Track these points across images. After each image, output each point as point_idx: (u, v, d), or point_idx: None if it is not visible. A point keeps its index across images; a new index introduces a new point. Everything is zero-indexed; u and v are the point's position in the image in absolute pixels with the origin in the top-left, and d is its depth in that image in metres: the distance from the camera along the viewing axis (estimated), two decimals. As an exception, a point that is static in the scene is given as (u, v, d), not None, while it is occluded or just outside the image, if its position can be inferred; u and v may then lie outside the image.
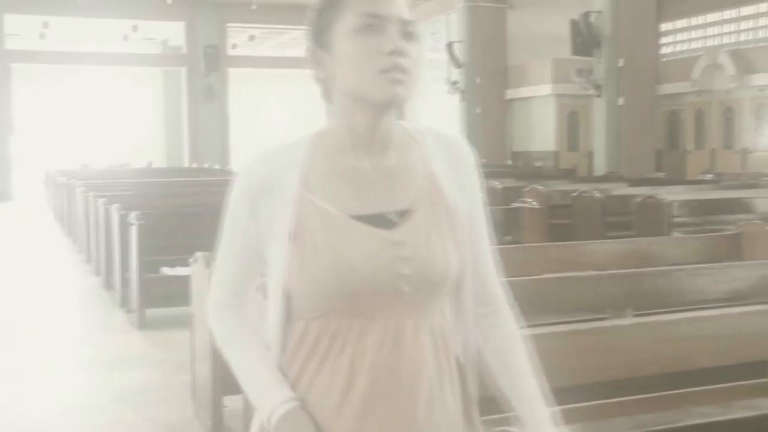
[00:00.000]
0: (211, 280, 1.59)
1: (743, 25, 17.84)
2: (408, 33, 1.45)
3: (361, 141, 1.48)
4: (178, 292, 5.38)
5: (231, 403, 4.15)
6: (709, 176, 13.32)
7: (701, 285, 4.12)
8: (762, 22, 17.34)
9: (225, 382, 4.21)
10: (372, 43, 1.43)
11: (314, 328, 1.44)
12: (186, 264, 4.81)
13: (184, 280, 4.92)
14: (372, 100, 1.44)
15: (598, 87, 16.19)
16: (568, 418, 1.63)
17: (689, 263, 4.69)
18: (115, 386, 5.13)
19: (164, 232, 6.84)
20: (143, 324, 6.64)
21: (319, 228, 1.43)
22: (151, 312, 6.69)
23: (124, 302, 7.31)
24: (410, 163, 1.51)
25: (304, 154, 1.48)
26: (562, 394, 1.78)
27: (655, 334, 2.90)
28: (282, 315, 1.45)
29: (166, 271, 6.81)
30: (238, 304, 1.57)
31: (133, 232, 6.75)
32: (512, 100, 19.69)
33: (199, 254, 4.44)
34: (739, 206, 8.42)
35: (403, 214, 1.48)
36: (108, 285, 8.21)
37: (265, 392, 1.47)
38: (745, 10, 17.64)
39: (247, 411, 3.72)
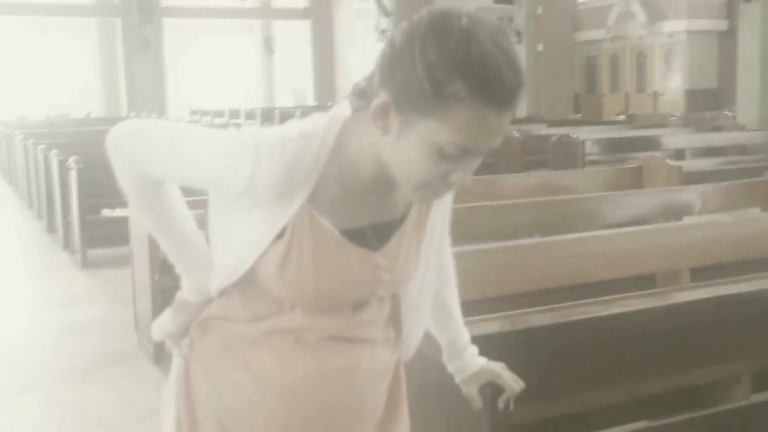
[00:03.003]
0: (148, 150, 1.39)
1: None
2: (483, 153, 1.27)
3: (380, 185, 1.36)
4: (118, 232, 5.42)
5: (171, 330, 4.25)
6: (622, 117, 13.63)
7: (604, 211, 4.32)
8: (671, -30, 17.65)
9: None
10: (442, 167, 1.25)
11: (267, 300, 1.40)
12: (125, 205, 4.83)
13: (124, 221, 4.97)
14: (401, 187, 1.34)
15: (518, 34, 16.35)
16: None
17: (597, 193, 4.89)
18: (61, 321, 5.17)
19: (104, 176, 6.56)
20: (86, 264, 6.64)
21: (310, 241, 1.34)
22: (93, 252, 6.70)
23: (67, 244, 7.30)
24: None
25: (320, 171, 1.32)
26: (473, 306, 1.94)
27: (555, 251, 3.08)
28: (239, 277, 1.39)
29: (107, 212, 6.80)
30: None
31: (73, 176, 6.72)
32: (439, 47, 19.72)
33: (136, 193, 4.48)
34: (647, 143, 8.66)
35: (391, 225, 1.42)
36: (51, 229, 8.16)
37: (188, 269, 1.48)
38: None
39: (187, 337, 3.82)
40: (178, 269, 1.50)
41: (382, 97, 1.25)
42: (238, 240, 1.36)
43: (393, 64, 1.24)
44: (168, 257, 1.50)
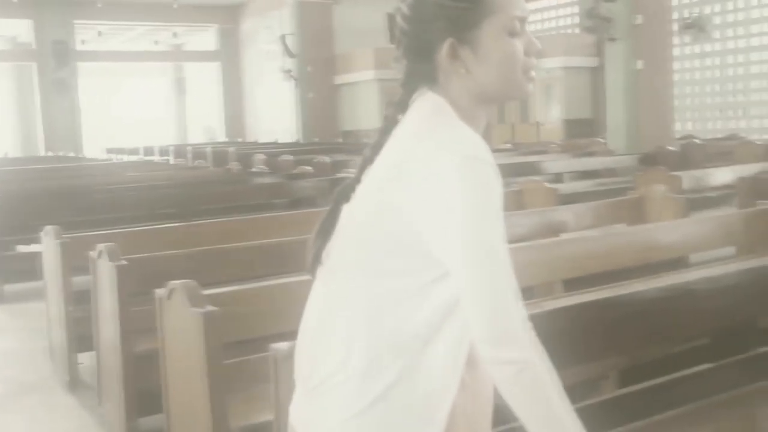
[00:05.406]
0: (497, 312, 1.22)
1: (532, 17, 18.76)
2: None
3: (479, 133, 1.36)
4: (32, 267, 5.23)
5: (85, 359, 4.12)
6: (509, 146, 13.94)
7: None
8: (547, 15, 18.32)
9: (78, 341, 4.17)
10: (519, 45, 1.32)
11: None
12: (39, 241, 4.68)
13: (38, 256, 4.81)
14: (510, 97, 1.37)
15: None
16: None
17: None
18: (-24, 355, 4.95)
19: (19, 213, 6.53)
20: (2, 298, 6.38)
21: None
22: (9, 287, 6.44)
23: (-17, 280, 6.98)
24: None
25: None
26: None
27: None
28: None
29: (22, 248, 6.55)
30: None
31: (-13, 214, 6.46)
32: (340, 85, 19.89)
33: (48, 228, 4.34)
34: (531, 168, 8.85)
35: None
36: (-34, 266, 7.79)
37: None
38: (533, 5, 18.56)
39: (100, 365, 3.71)
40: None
41: (443, 47, 1.31)
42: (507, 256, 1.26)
43: (425, 25, 1.32)
44: None
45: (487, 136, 1.38)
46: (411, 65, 1.35)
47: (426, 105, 1.33)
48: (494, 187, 1.23)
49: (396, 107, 1.36)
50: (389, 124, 1.36)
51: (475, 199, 1.21)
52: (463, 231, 1.21)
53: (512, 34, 1.31)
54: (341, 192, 1.37)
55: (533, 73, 1.35)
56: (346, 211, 1.35)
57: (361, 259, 1.30)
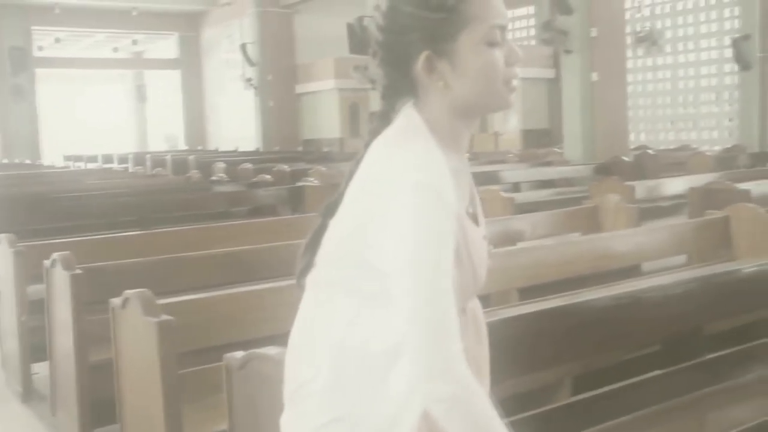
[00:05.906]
0: (433, 331, 1.18)
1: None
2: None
3: (463, 146, 1.35)
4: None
5: (39, 369, 4.03)
6: (468, 155, 14.00)
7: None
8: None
9: (33, 351, 4.07)
10: (498, 56, 1.27)
11: None
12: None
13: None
14: (492, 109, 1.33)
15: (373, 81, 16.55)
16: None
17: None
18: (-74, 366, 4.80)
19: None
20: (-46, 308, 6.21)
21: (464, 237, 1.27)
22: (-39, 296, 6.27)
23: (-65, 290, 6.80)
24: None
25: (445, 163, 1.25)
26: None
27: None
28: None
29: (-25, 257, 6.39)
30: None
31: (-60, 222, 6.30)
32: (301, 94, 19.84)
33: (2, 236, 4.24)
34: (489, 178, 8.88)
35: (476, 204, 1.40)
36: None
37: None
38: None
39: (54, 375, 3.63)
40: None
41: (418, 60, 1.26)
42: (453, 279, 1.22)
43: (400, 36, 1.27)
44: None
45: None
46: (388, 77, 1.32)
47: (402, 124, 1.30)
48: (444, 218, 1.20)
49: (379, 120, 1.34)
50: (372, 137, 1.33)
51: (422, 228, 1.18)
52: (407, 259, 1.19)
53: (492, 43, 1.26)
54: (328, 207, 1.36)
55: (515, 83, 1.30)
56: (331, 225, 1.34)
57: (335, 276, 1.30)
